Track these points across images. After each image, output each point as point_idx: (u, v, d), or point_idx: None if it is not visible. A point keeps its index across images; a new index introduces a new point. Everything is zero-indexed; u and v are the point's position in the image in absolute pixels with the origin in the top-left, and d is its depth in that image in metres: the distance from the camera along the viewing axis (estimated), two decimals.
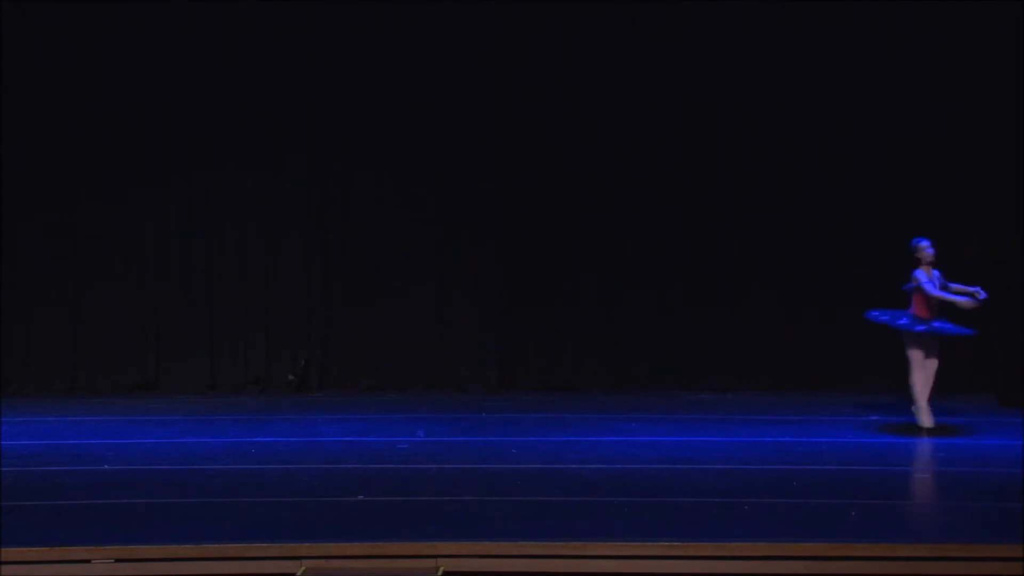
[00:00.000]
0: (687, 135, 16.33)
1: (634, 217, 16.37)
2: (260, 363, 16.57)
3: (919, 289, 13.69)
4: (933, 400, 13.87)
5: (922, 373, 13.77)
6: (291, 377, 16.55)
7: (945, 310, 13.86)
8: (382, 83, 16.42)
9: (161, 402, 15.95)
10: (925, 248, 13.81)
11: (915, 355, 13.77)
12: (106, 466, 12.38)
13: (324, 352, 16.62)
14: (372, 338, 16.57)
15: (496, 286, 16.45)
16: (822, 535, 9.68)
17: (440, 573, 9.24)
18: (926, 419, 13.75)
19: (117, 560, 9.33)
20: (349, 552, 9.40)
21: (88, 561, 9.32)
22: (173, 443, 13.53)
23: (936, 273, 13.81)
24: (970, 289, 13.78)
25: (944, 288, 13.75)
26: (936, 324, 13.66)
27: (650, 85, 16.29)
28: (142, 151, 16.44)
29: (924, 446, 13.44)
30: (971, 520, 10.21)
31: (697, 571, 9.31)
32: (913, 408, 13.89)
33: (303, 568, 9.26)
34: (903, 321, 13.76)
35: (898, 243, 16.17)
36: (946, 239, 16.05)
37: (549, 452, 13.01)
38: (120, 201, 16.44)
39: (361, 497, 10.99)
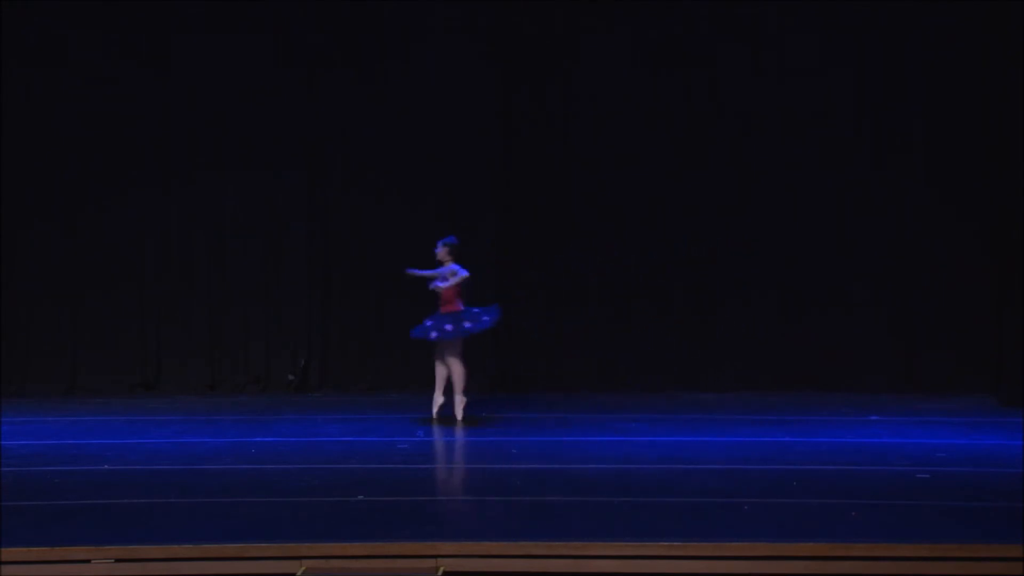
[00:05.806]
0: (688, 135, 16.33)
1: (634, 217, 16.36)
2: (260, 363, 16.59)
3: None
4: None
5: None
6: (291, 377, 16.56)
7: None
8: (382, 83, 16.43)
9: (161, 402, 15.96)
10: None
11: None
12: (106, 466, 12.38)
13: (324, 352, 16.63)
14: (372, 338, 16.58)
15: (495, 286, 16.44)
16: (822, 535, 9.68)
17: (440, 573, 9.24)
18: (444, 408, 14.27)
19: (117, 560, 9.33)
20: (349, 552, 9.40)
21: (88, 561, 9.32)
22: (173, 443, 13.52)
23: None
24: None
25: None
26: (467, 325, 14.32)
27: (651, 85, 16.29)
28: (142, 151, 16.45)
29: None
30: (971, 520, 10.20)
31: (697, 571, 9.30)
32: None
33: (303, 568, 9.26)
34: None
35: (898, 243, 16.20)
36: (945, 238, 16.11)
37: (549, 452, 13.01)
38: (120, 202, 16.46)
39: (361, 497, 10.98)
